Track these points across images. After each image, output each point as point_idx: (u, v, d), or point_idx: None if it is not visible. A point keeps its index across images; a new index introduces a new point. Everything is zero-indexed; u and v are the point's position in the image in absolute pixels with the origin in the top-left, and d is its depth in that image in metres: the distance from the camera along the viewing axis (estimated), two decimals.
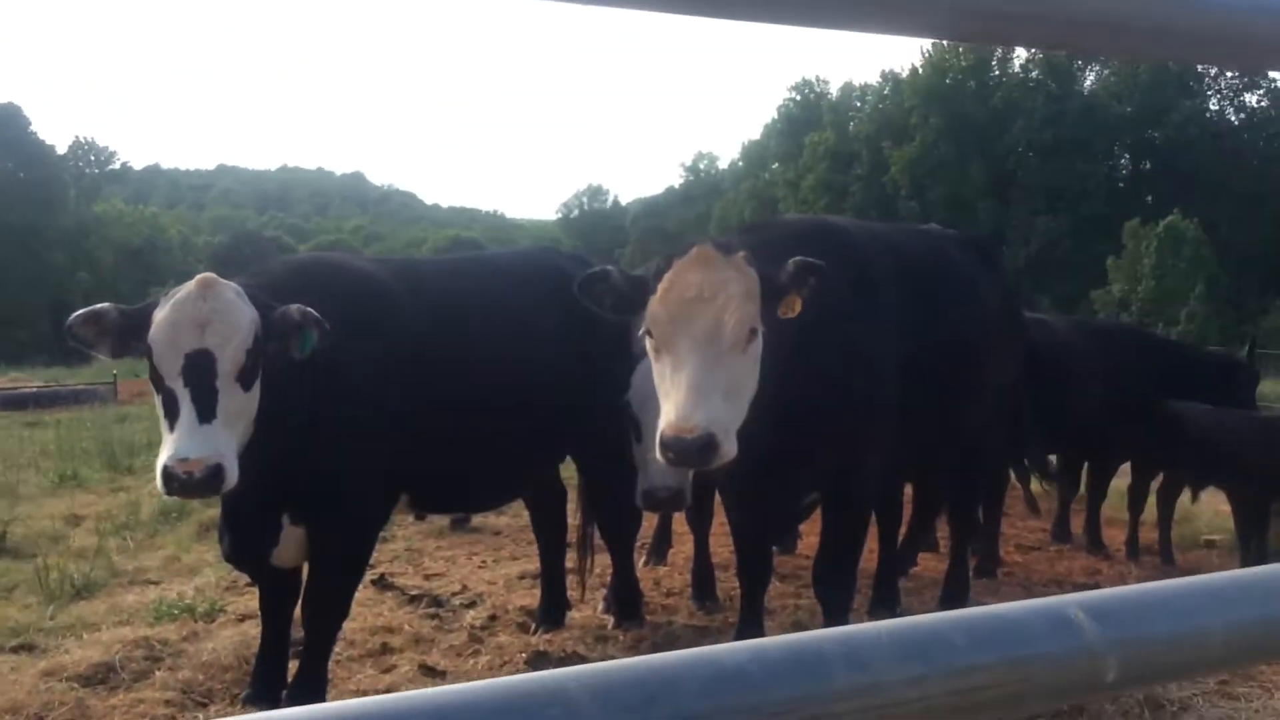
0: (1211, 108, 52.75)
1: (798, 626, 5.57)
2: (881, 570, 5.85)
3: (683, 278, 3.80)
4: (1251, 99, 52.83)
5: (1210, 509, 8.59)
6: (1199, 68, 50.32)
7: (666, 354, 3.76)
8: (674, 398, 3.64)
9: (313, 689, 4.29)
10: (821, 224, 5.19)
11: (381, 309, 4.34)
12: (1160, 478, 7.76)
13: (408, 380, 4.28)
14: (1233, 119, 52.73)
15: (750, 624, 4.71)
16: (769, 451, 4.13)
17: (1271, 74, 48.47)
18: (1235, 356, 8.39)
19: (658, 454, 3.63)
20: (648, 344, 3.90)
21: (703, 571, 6.10)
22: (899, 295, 4.65)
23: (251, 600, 4.73)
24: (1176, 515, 8.26)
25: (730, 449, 3.60)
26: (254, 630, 4.74)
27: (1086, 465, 8.26)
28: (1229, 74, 51.40)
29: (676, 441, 3.53)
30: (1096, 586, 7.06)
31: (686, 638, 5.43)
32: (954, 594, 5.86)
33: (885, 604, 5.72)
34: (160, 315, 3.65)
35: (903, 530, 6.63)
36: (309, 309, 3.70)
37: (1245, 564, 6.97)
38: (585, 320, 4.44)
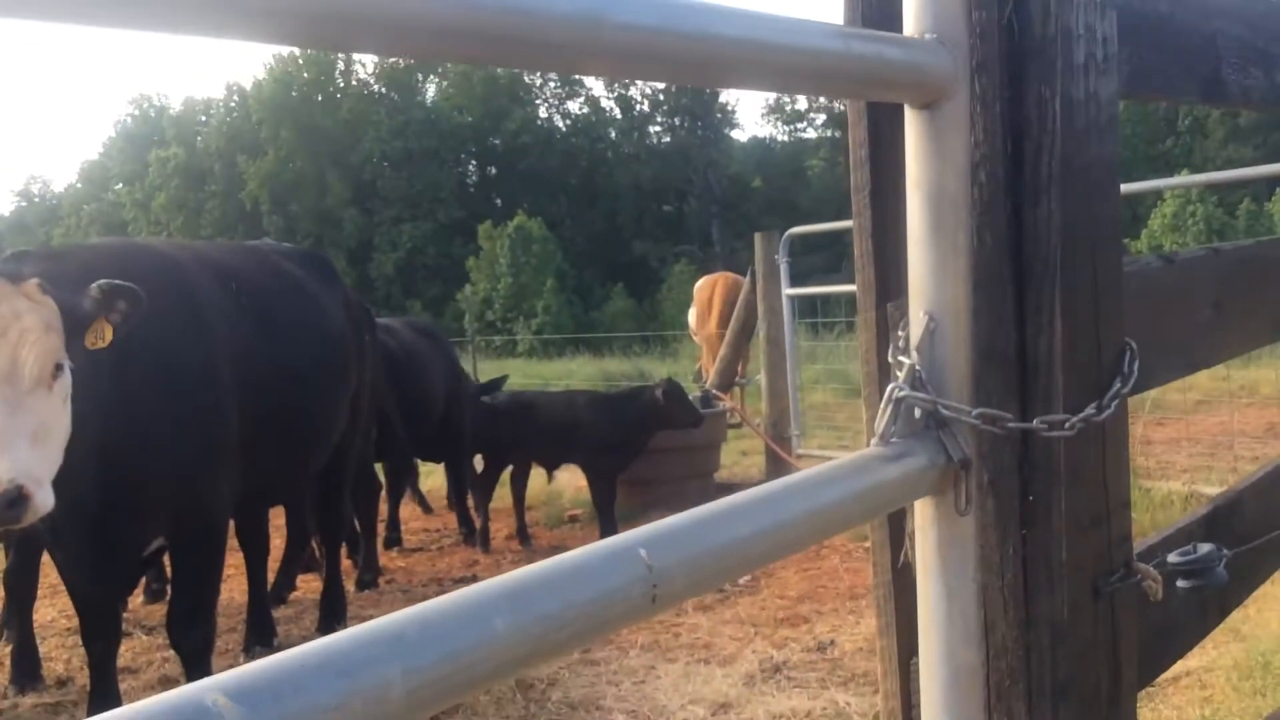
0: (541, 115, 57.29)
1: (165, 682, 5.13)
2: (253, 603, 5.56)
3: None
4: (574, 106, 58.28)
5: (571, 486, 9.23)
6: (525, 78, 54.59)
7: None
8: None
9: None
10: (131, 245, 4.85)
11: None
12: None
13: None
14: (561, 125, 57.69)
15: (102, 695, 4.23)
16: (97, 498, 3.73)
17: (587, 83, 53.88)
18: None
19: None
20: None
21: (25, 649, 5.21)
22: (231, 316, 4.41)
23: None
24: (543, 494, 8.86)
25: (45, 501, 3.19)
26: None
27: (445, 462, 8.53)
28: (553, 83, 56.26)
29: None
30: (475, 578, 7.38)
31: (36, 719, 4.79)
32: (331, 614, 5.75)
33: (260, 638, 5.44)
34: None
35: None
36: None
37: (605, 533, 7.59)
38: None
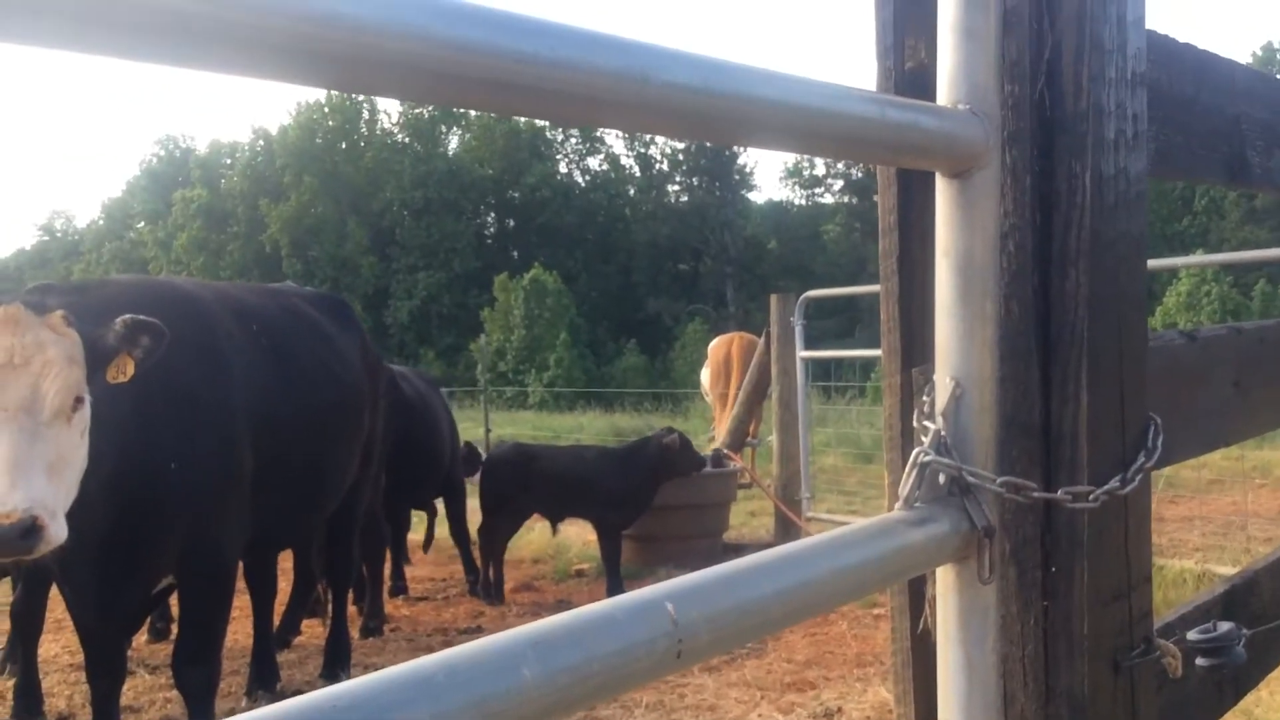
0: (561, 170, 57.78)
1: None
2: (257, 646, 5.54)
3: None
4: (594, 162, 58.79)
5: (579, 540, 9.19)
6: (547, 133, 55.14)
7: None
8: None
9: None
10: (157, 282, 4.89)
11: None
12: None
13: None
14: (580, 180, 58.14)
15: None
16: (108, 533, 3.74)
17: (608, 140, 54.40)
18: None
19: None
20: None
21: (28, 684, 5.21)
22: (249, 356, 4.44)
23: None
24: (550, 548, 8.85)
25: (59, 533, 3.20)
26: None
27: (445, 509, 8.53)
28: (574, 139, 56.79)
29: None
30: (481, 630, 7.35)
31: None
32: (335, 660, 5.70)
33: (263, 682, 5.40)
34: None
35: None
36: None
37: (611, 588, 7.56)
38: None
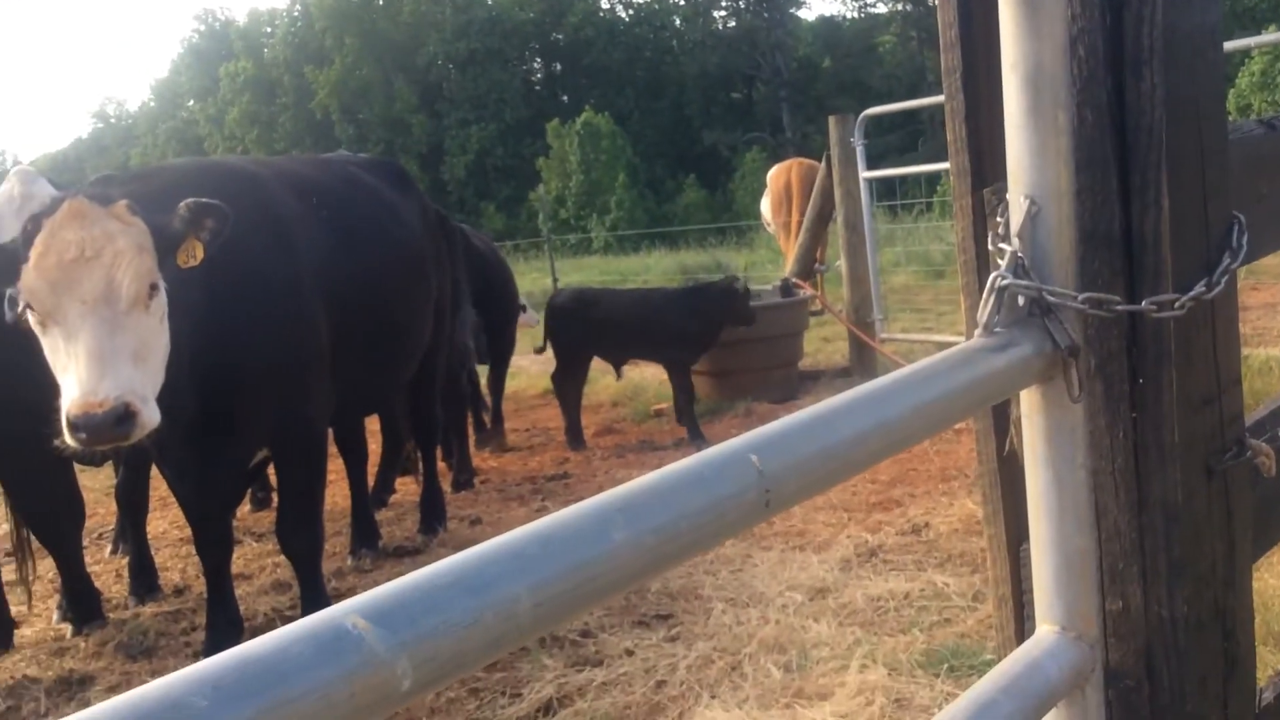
0: (604, 6, 56.32)
1: (278, 586, 5.33)
2: (355, 507, 5.74)
3: (58, 238, 3.37)
4: None
5: (655, 381, 9.27)
6: None
7: (55, 326, 3.34)
8: (74, 372, 3.26)
9: None
10: (215, 164, 4.91)
11: None
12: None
13: None
14: (624, 15, 56.66)
15: (219, 602, 4.41)
16: (198, 414, 3.85)
17: None
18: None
19: (68, 438, 3.23)
20: (31, 320, 3.43)
21: (142, 562, 5.47)
22: (312, 230, 4.47)
23: None
24: (628, 390, 8.95)
25: (151, 417, 3.29)
26: None
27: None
28: None
29: (87, 419, 3.16)
30: (567, 475, 7.50)
31: (158, 628, 5.01)
32: (431, 515, 5.89)
33: (364, 540, 5.62)
34: None
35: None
36: None
37: (685, 425, 7.64)
38: None
